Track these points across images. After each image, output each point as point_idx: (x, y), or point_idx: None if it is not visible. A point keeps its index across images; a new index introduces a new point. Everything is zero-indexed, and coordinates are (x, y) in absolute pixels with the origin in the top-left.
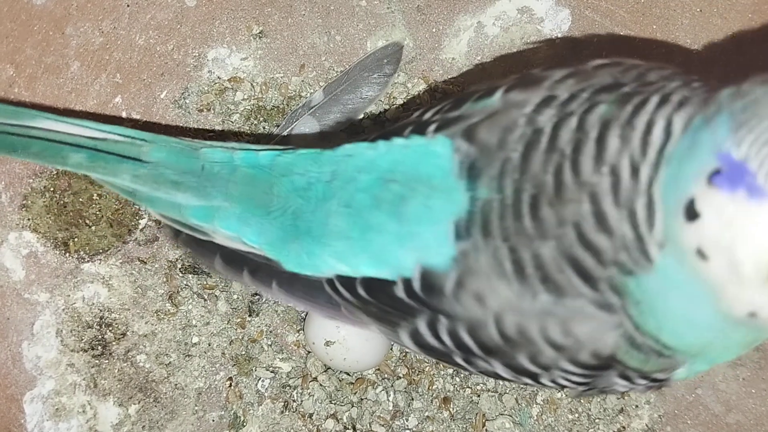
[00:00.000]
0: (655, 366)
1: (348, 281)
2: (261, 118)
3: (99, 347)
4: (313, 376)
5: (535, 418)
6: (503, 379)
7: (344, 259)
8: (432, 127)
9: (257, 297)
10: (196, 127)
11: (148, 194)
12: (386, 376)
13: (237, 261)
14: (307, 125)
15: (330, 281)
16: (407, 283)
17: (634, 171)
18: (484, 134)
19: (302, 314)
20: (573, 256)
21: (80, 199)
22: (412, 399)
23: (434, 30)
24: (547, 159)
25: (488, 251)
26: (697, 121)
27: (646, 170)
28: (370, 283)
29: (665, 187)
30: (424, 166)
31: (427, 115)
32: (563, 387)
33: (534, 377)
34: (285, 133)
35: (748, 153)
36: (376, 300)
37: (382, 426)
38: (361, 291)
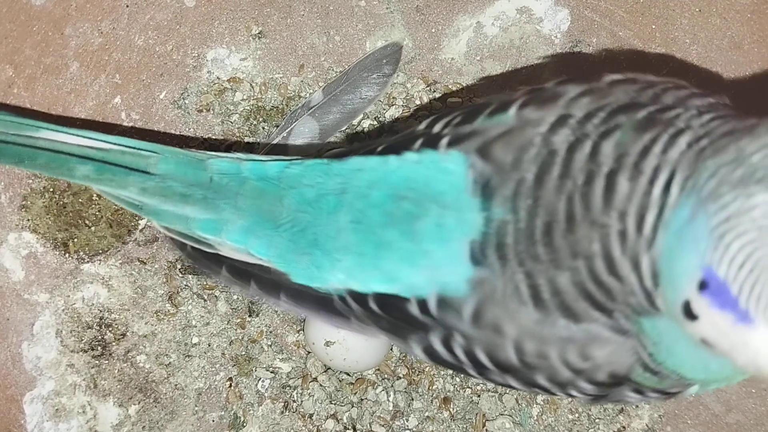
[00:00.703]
0: (669, 385)
1: (359, 296)
2: (260, 119)
3: (99, 348)
4: (313, 376)
5: (535, 418)
6: (515, 389)
7: (354, 274)
8: (444, 141)
9: (257, 297)
10: (195, 127)
11: (155, 207)
12: (386, 376)
13: (244, 273)
14: (307, 125)
15: (340, 295)
16: (422, 303)
17: (639, 226)
18: (499, 152)
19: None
20: (586, 290)
21: (80, 200)
22: (412, 399)
23: (433, 30)
24: (560, 185)
25: (505, 276)
26: (686, 203)
27: (648, 229)
28: (382, 298)
29: (664, 258)
30: (437, 183)
31: (437, 127)
32: (575, 398)
33: (548, 391)
34: (284, 134)
35: (728, 274)
36: (388, 315)
37: (382, 426)
38: (373, 306)
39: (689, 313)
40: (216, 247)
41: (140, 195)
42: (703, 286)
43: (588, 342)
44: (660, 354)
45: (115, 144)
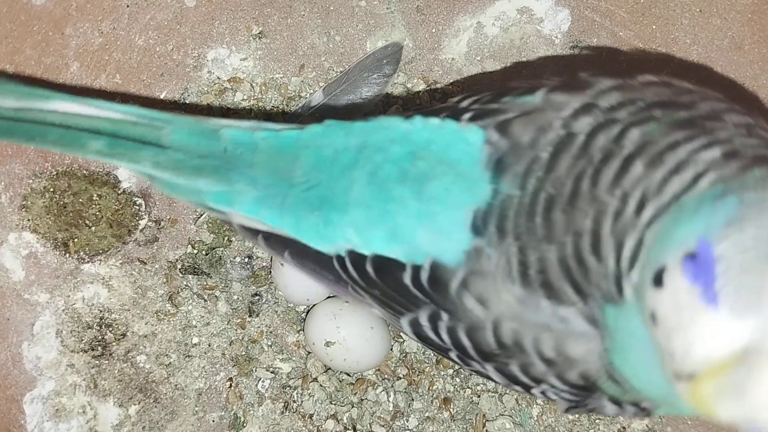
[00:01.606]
0: (633, 398)
1: (358, 259)
2: (260, 119)
3: (99, 348)
4: (314, 376)
5: (536, 418)
6: (496, 382)
7: (360, 229)
8: (468, 115)
9: (257, 297)
10: None
11: (168, 181)
12: (386, 376)
13: (253, 228)
14: None
15: (340, 259)
16: (416, 271)
17: (640, 206)
18: (517, 130)
19: (302, 315)
20: (568, 267)
21: (80, 200)
22: (413, 399)
23: (434, 30)
24: (574, 163)
25: (500, 249)
26: (718, 188)
27: (650, 210)
28: (379, 263)
29: (663, 228)
30: (454, 151)
31: (465, 103)
32: (553, 400)
33: (525, 387)
34: None
35: (724, 253)
36: (382, 282)
37: (383, 426)
38: (369, 269)
39: (658, 281)
40: (229, 216)
41: (153, 169)
42: (689, 256)
43: (564, 336)
44: (614, 353)
45: (127, 114)
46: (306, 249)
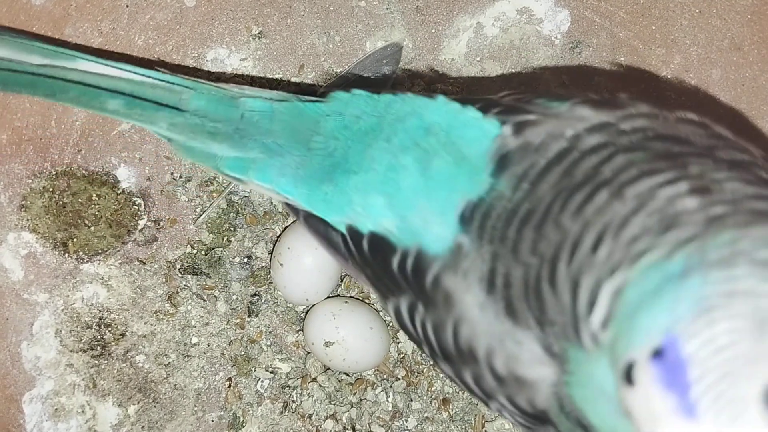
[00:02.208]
0: None
1: (357, 236)
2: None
3: (98, 347)
4: (313, 376)
5: None
6: (461, 387)
7: (364, 193)
8: (497, 108)
9: (256, 297)
10: None
11: (184, 143)
12: (385, 377)
13: None
14: None
15: (342, 235)
16: (403, 257)
17: (597, 242)
18: (530, 132)
19: (302, 315)
20: (528, 291)
21: (79, 200)
22: (411, 400)
23: (433, 31)
24: (558, 181)
25: (477, 249)
26: (680, 261)
27: (606, 250)
28: (375, 240)
29: (627, 303)
30: (468, 136)
31: (505, 100)
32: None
33: (481, 400)
34: None
35: (696, 354)
36: (374, 260)
37: (382, 427)
38: (365, 246)
39: (629, 378)
40: (244, 183)
41: (169, 131)
42: (657, 353)
43: (516, 355)
44: (575, 388)
45: (147, 77)
46: (318, 217)
